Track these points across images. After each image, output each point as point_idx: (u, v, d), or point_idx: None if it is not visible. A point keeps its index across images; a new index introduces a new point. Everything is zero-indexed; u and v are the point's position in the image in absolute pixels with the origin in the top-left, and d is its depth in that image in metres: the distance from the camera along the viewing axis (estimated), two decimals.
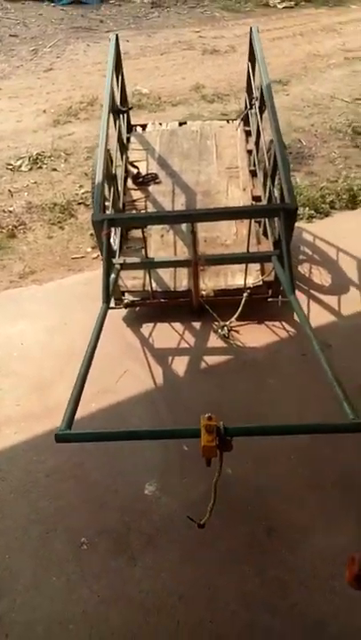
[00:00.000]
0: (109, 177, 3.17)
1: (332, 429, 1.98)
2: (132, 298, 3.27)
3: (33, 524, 2.38)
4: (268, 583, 2.15)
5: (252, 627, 2.04)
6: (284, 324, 3.30)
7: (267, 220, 3.35)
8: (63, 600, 2.13)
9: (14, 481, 2.54)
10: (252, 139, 3.94)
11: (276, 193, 3.18)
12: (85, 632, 2.04)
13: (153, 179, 3.80)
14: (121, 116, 3.85)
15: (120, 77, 3.90)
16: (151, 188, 3.76)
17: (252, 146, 3.93)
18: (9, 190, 4.71)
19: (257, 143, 3.78)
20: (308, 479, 2.49)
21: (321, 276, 3.69)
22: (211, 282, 3.25)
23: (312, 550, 2.24)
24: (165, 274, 3.31)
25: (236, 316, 3.14)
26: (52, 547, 2.29)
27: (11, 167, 5.06)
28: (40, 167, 5.06)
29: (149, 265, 3.17)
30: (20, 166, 5.07)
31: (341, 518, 2.35)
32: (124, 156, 3.89)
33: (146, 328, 3.33)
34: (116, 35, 3.78)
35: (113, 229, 3.12)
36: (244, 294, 3.12)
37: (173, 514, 2.37)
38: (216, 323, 3.24)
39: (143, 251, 3.07)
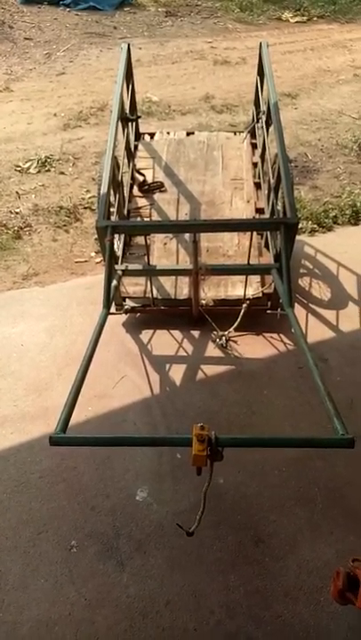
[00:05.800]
0: (115, 184, 3.21)
1: (322, 444, 2.00)
2: (132, 304, 3.31)
3: (24, 524, 2.40)
4: (253, 593, 2.17)
5: (236, 636, 2.05)
6: (282, 336, 3.33)
7: (268, 232, 3.40)
8: (50, 601, 2.15)
9: (8, 481, 2.57)
10: (258, 151, 3.99)
11: (279, 206, 3.23)
12: (71, 634, 2.06)
13: (158, 187, 3.84)
14: (129, 123, 3.90)
15: (130, 86, 3.95)
16: (156, 196, 3.80)
17: (257, 158, 3.98)
18: (16, 192, 4.76)
19: (262, 156, 3.82)
20: (298, 491, 2.51)
21: (321, 290, 3.73)
22: (211, 291, 3.29)
23: (298, 562, 2.26)
24: (167, 282, 3.35)
25: (234, 326, 3.17)
26: (42, 548, 2.32)
27: (19, 169, 5.12)
28: (48, 170, 5.12)
29: (151, 272, 3.21)
30: (29, 168, 5.13)
31: (328, 532, 2.37)
32: (130, 164, 3.93)
33: (145, 334, 3.36)
34: (128, 44, 3.83)
35: (116, 236, 3.16)
36: (244, 305, 3.16)
37: (163, 521, 2.40)
38: (215, 332, 3.27)
39: (146, 258, 3.10)
